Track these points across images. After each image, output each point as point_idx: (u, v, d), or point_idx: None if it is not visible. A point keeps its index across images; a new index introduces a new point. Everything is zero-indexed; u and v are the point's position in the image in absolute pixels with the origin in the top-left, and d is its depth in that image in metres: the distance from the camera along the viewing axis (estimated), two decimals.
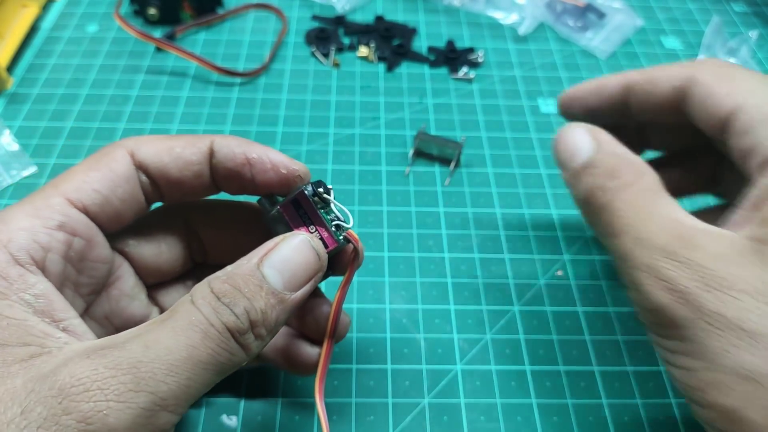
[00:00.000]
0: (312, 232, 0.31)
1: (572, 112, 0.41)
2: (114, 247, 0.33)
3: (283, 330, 0.37)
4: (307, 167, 0.33)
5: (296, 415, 0.39)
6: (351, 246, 0.32)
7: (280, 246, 0.29)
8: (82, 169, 0.31)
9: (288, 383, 0.41)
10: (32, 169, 0.53)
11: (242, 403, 0.40)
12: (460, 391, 0.41)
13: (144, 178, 0.32)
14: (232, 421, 0.39)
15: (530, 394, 0.41)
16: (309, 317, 0.36)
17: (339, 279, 0.33)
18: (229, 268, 0.28)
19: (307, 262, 0.30)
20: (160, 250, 0.35)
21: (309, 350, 0.37)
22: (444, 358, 0.42)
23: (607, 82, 0.38)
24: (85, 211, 0.30)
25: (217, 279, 0.27)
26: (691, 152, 0.43)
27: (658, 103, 0.36)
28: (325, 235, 0.31)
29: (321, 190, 0.31)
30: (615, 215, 0.30)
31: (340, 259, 0.33)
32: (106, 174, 0.30)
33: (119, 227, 0.32)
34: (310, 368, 0.37)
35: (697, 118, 0.34)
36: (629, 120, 0.39)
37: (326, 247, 0.31)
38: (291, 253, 0.29)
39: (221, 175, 0.32)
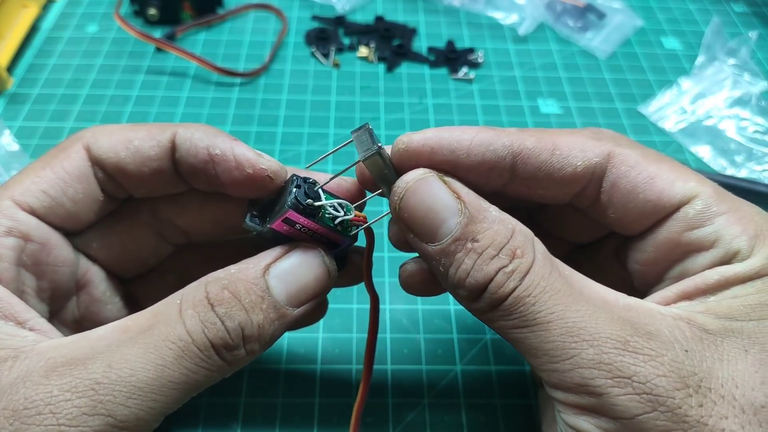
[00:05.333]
0: (317, 239, 0.29)
1: (415, 166, 0.28)
2: (78, 248, 0.31)
3: None
4: (278, 163, 0.30)
5: (296, 415, 0.39)
6: (366, 226, 0.30)
7: (290, 255, 0.27)
8: (36, 167, 0.29)
9: (288, 383, 0.41)
10: None
11: (242, 402, 0.40)
12: (460, 391, 0.41)
13: (101, 174, 0.30)
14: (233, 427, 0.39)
15: (530, 395, 0.41)
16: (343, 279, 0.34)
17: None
18: (232, 269, 0.26)
19: (316, 279, 0.28)
20: (126, 248, 0.33)
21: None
22: (444, 359, 0.42)
23: (490, 140, 0.28)
24: (34, 214, 0.28)
25: (217, 282, 0.26)
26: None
27: (562, 181, 0.28)
28: (333, 237, 0.29)
29: (309, 201, 0.28)
30: (527, 303, 0.24)
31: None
32: (58, 173, 0.28)
33: (81, 227, 0.30)
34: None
35: (614, 203, 0.28)
36: (501, 200, 0.30)
37: (337, 246, 0.29)
38: (301, 265, 0.27)
39: (186, 171, 0.30)
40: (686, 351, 0.23)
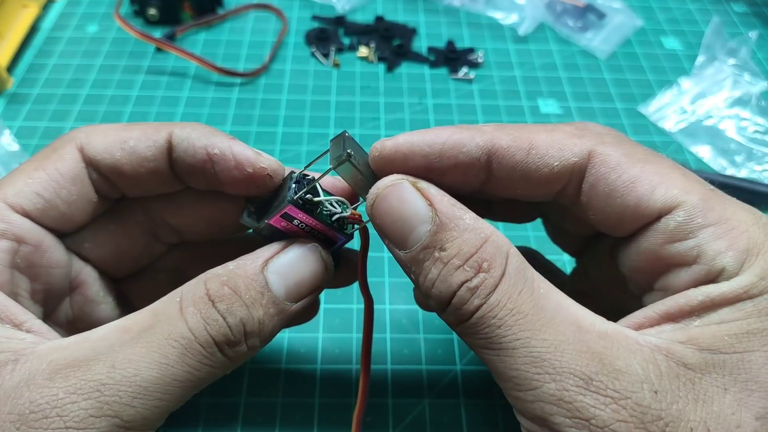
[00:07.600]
0: (314, 235, 0.29)
1: (391, 172, 0.28)
2: (70, 249, 0.31)
3: None
4: (278, 162, 0.30)
5: (296, 415, 0.39)
6: (361, 226, 0.30)
7: (287, 251, 0.27)
8: (28, 168, 0.28)
9: (288, 383, 0.41)
10: None
11: (242, 402, 0.40)
12: (460, 391, 0.41)
13: (95, 175, 0.29)
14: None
15: None
16: (338, 280, 0.34)
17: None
18: (230, 265, 0.26)
19: (314, 274, 0.28)
20: (119, 248, 0.33)
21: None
22: (444, 359, 0.42)
23: (463, 141, 0.27)
24: (27, 216, 0.28)
25: (216, 278, 0.25)
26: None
27: (539, 181, 0.27)
28: (330, 234, 0.29)
29: (309, 196, 0.28)
30: (492, 325, 0.23)
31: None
32: (51, 174, 0.28)
33: (74, 228, 0.30)
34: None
35: (593, 206, 0.27)
36: (479, 197, 0.29)
37: (334, 244, 0.29)
38: (299, 261, 0.27)
39: (183, 171, 0.29)
40: (656, 392, 0.22)
